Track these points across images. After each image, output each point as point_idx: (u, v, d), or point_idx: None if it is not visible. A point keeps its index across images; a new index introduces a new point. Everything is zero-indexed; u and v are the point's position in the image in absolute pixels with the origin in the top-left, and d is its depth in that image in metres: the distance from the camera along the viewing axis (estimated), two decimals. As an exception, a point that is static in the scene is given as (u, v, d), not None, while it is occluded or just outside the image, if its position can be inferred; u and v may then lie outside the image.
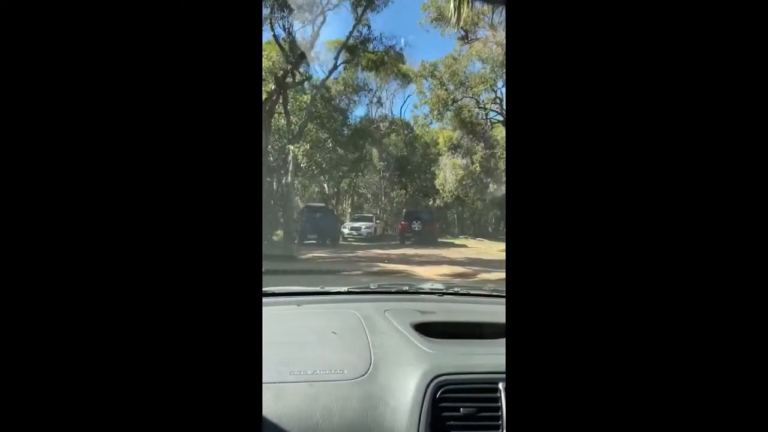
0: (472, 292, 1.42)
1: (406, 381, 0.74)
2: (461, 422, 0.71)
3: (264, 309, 0.86)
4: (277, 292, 1.28)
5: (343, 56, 13.37)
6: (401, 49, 14.69)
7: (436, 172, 14.82)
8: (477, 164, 12.85)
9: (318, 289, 1.33)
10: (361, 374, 0.75)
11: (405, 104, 29.05)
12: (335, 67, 13.51)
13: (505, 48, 0.48)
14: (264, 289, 1.23)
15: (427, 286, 1.47)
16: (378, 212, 20.41)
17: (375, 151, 16.69)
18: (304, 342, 0.89)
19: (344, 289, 1.32)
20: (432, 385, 0.72)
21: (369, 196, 22.01)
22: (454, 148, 13.37)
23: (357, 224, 14.29)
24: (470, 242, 15.48)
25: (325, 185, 17.35)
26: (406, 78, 17.63)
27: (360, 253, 10.00)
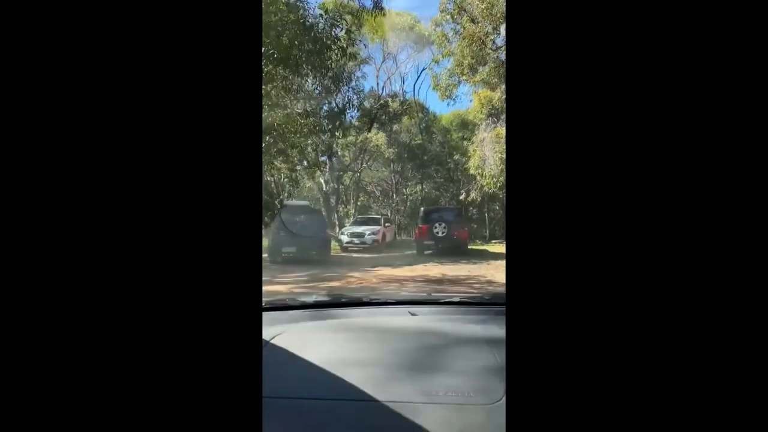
0: None
1: None
2: None
3: (377, 317, 1.01)
4: (388, 300, 1.16)
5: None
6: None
7: (471, 150, 10.64)
8: (533, 134, 8.77)
9: (425, 296, 1.29)
10: (496, 399, 0.66)
11: (419, 81, 24.89)
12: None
13: None
14: (372, 296, 1.21)
15: None
16: (389, 213, 16.87)
17: (383, 136, 13.06)
18: (430, 356, 0.80)
19: (456, 298, 1.19)
20: None
21: (377, 193, 18.46)
22: (496, 114, 9.42)
23: (359, 229, 10.73)
24: (509, 249, 11.71)
25: (322, 180, 13.86)
26: (420, 41, 14.01)
27: (356, 276, 6.38)
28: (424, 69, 15.86)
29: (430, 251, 9.85)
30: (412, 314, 1.03)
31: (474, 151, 10.33)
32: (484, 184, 10.19)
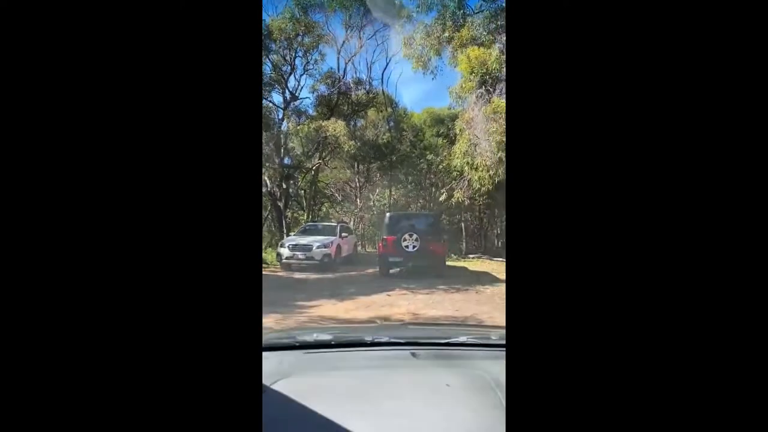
0: None
1: None
2: None
3: (375, 362, 0.89)
4: (383, 341, 1.02)
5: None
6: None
7: (457, 130, 7.58)
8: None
9: (433, 338, 1.08)
10: None
11: (388, 69, 22.14)
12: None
13: None
14: (370, 337, 1.05)
15: None
16: (351, 221, 14.45)
17: (342, 125, 10.64)
18: (435, 405, 0.73)
19: (463, 338, 1.04)
20: None
21: (339, 197, 16.00)
22: (492, 81, 6.83)
23: (305, 240, 8.19)
24: (497, 266, 9.63)
25: (266, 179, 11.21)
26: (389, 12, 11.80)
27: (270, 320, 3.82)
28: (394, 54, 13.73)
29: (397, 270, 7.56)
30: (413, 355, 0.94)
31: (460, 132, 7.55)
32: (476, 178, 7.34)
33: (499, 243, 16.65)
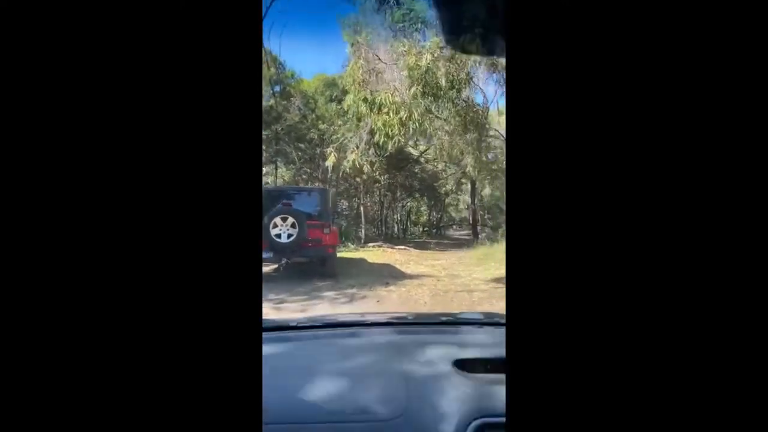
0: None
1: (444, 423, 0.72)
2: None
3: (289, 343, 1.04)
4: (305, 324, 1.20)
5: None
6: None
7: (349, 56, 4.44)
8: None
9: (353, 319, 1.30)
10: (397, 415, 0.73)
11: (270, 18, 18.26)
12: None
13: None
14: (289, 318, 1.28)
15: (467, 316, 1.39)
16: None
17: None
18: (339, 375, 0.87)
19: (382, 319, 1.27)
20: (472, 427, 0.70)
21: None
22: None
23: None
24: (400, 256, 8.11)
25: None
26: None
27: None
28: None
29: (271, 269, 5.42)
30: (331, 336, 1.12)
31: (354, 52, 4.65)
32: (380, 125, 4.40)
33: (399, 229, 15.54)
